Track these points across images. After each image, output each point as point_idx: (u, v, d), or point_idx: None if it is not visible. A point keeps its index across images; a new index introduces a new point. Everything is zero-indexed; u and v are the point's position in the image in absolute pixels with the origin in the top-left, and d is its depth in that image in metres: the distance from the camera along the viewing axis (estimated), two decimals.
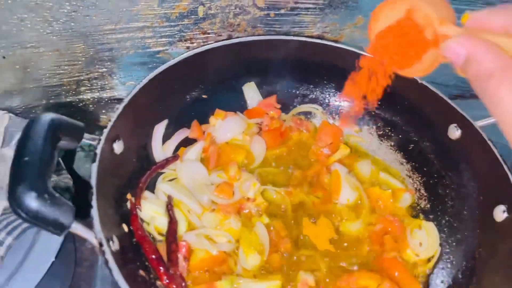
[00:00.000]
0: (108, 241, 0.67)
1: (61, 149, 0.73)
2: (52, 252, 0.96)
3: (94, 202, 0.69)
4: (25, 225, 0.95)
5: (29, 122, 0.69)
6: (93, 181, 0.71)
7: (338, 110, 1.12)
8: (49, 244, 0.97)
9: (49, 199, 0.62)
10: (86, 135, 0.78)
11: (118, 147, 0.82)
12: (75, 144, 0.75)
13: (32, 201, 0.60)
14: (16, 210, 0.60)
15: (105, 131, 0.79)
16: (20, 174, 0.62)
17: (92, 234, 0.67)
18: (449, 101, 0.95)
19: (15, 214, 0.61)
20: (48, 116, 0.70)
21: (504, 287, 0.73)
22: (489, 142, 0.89)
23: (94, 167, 0.73)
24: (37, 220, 0.61)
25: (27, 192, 0.60)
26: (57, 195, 0.63)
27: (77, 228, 0.66)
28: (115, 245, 0.70)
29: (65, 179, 1.04)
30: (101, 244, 0.65)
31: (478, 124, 0.92)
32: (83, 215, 0.69)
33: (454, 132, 0.95)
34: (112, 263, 0.64)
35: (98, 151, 0.75)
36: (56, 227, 0.63)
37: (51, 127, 0.69)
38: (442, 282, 0.87)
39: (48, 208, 0.61)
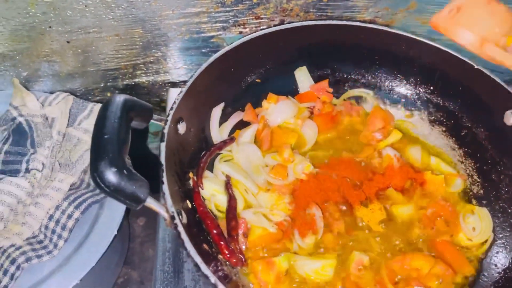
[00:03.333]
0: (178, 214, 0.71)
1: (134, 127, 0.77)
2: (114, 226, 1.02)
3: (164, 178, 0.73)
4: (91, 200, 1.02)
5: (105, 102, 0.73)
6: (163, 159, 0.76)
7: (389, 94, 1.12)
8: (111, 219, 1.03)
9: (127, 175, 0.66)
10: (154, 115, 0.82)
11: (181, 127, 0.87)
12: (145, 124, 0.79)
13: (112, 175, 0.65)
14: (98, 183, 0.65)
15: (171, 112, 0.83)
16: (102, 150, 0.66)
17: (163, 208, 0.71)
18: (506, 86, 0.94)
19: (97, 187, 0.65)
20: (122, 97, 0.75)
21: None
22: None
23: (163, 146, 0.77)
24: (116, 193, 0.66)
25: (108, 167, 0.65)
26: (133, 171, 0.68)
27: (151, 202, 0.70)
28: (184, 219, 0.74)
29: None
30: (173, 217, 0.70)
31: None
32: (152, 191, 0.73)
33: (510, 118, 0.94)
34: (184, 235, 0.68)
35: (166, 130, 0.79)
36: (133, 200, 0.67)
37: (124, 107, 0.73)
38: (495, 266, 0.87)
39: (126, 182, 0.66)
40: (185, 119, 0.88)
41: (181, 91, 0.86)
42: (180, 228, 0.68)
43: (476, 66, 0.98)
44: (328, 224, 0.90)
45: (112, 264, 1.20)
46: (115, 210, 1.04)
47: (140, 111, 0.78)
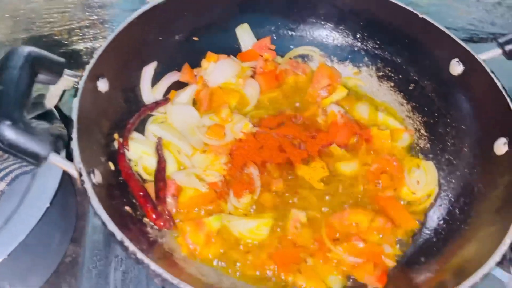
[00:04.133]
0: (89, 173, 0.66)
1: (41, 83, 0.71)
2: (46, 198, 0.96)
3: (74, 135, 0.68)
4: (18, 171, 0.95)
5: (7, 54, 0.67)
6: (74, 115, 0.70)
7: (336, 51, 1.07)
8: (43, 190, 0.97)
9: (24, 128, 0.60)
10: (67, 71, 0.77)
11: (102, 85, 0.81)
12: (55, 79, 0.73)
13: (6, 129, 0.59)
14: None
15: (88, 67, 0.77)
16: None
17: (72, 166, 0.65)
18: (450, 34, 0.91)
19: None
20: (26, 49, 0.69)
21: (502, 220, 0.70)
22: (492, 74, 0.84)
23: (76, 101, 0.72)
24: (12, 148, 0.60)
25: (2, 120, 0.59)
26: (33, 125, 0.62)
27: (56, 160, 0.65)
28: (97, 178, 0.69)
29: (59, 128, 1.03)
30: (80, 174, 0.64)
31: (481, 57, 0.87)
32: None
33: (456, 68, 0.91)
34: (91, 193, 0.63)
35: (80, 85, 0.74)
36: (33, 157, 0.62)
37: (28, 59, 0.68)
38: (438, 218, 0.84)
39: (24, 137, 0.60)
40: (108, 76, 0.82)
41: (101, 46, 0.80)
42: (87, 185, 0.63)
43: (420, 16, 0.94)
44: (267, 183, 0.86)
45: (53, 241, 1.15)
46: (48, 181, 0.98)
47: (47, 64, 0.72)
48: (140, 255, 0.58)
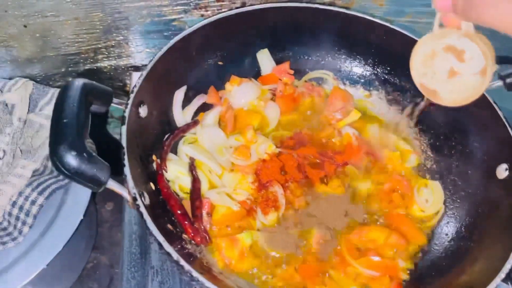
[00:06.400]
0: (140, 196, 0.73)
1: (92, 112, 0.77)
2: (80, 210, 1.03)
3: (126, 161, 0.74)
4: (55, 185, 1.02)
5: (64, 86, 0.73)
6: (124, 142, 0.76)
7: (348, 75, 1.15)
8: (76, 204, 1.03)
9: (87, 158, 0.67)
10: (114, 99, 0.82)
11: (143, 111, 0.87)
12: (105, 108, 0.80)
13: (72, 159, 0.66)
14: (58, 167, 0.65)
15: (131, 96, 0.83)
16: (61, 134, 0.67)
17: (126, 190, 0.72)
18: None
19: (57, 171, 0.66)
20: (81, 81, 0.75)
21: (507, 239, 0.79)
22: (494, 104, 0.93)
23: (124, 128, 0.78)
24: (77, 176, 0.66)
25: (68, 151, 0.66)
26: (94, 154, 0.69)
27: (113, 185, 0.71)
28: (147, 200, 0.76)
29: (88, 143, 1.09)
30: (135, 199, 0.71)
31: None
32: (115, 174, 0.74)
33: None
34: (146, 216, 0.70)
35: (126, 114, 0.80)
36: (94, 182, 0.68)
37: (83, 91, 0.73)
38: (446, 235, 0.93)
39: (87, 165, 0.67)
40: (147, 102, 0.88)
41: (141, 74, 0.87)
42: (142, 209, 0.70)
43: None
44: (290, 201, 0.93)
45: (80, 249, 1.21)
46: (80, 195, 1.04)
47: (99, 95, 0.78)
48: (195, 274, 0.65)
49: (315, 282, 0.83)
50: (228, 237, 0.85)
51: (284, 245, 0.87)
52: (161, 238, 0.67)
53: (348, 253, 0.87)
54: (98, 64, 1.23)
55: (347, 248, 0.88)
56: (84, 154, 0.67)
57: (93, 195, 1.08)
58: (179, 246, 0.79)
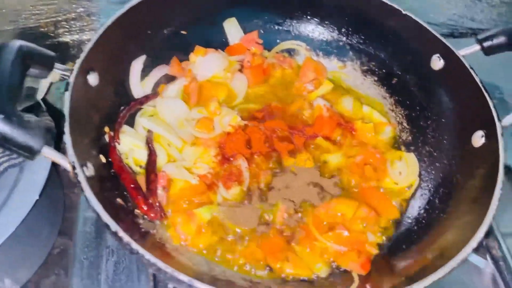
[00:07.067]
0: (81, 166, 0.67)
1: (32, 77, 0.72)
2: (35, 190, 0.97)
3: (66, 129, 0.68)
4: (7, 164, 0.96)
5: None
6: (66, 109, 0.71)
7: (322, 46, 1.10)
8: (32, 183, 0.98)
9: (18, 122, 0.61)
10: (58, 65, 0.77)
11: (92, 79, 0.81)
12: (46, 73, 0.74)
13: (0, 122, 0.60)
14: None
15: (78, 61, 0.77)
16: None
17: (65, 159, 0.66)
18: (432, 30, 0.94)
19: None
20: (17, 43, 0.69)
21: (479, 209, 0.74)
22: (471, 70, 0.88)
23: (67, 95, 0.72)
24: (6, 142, 0.61)
25: None
26: (26, 118, 0.63)
27: (50, 153, 0.65)
28: (90, 171, 0.70)
29: (46, 120, 1.03)
30: (74, 167, 0.65)
31: (461, 53, 0.91)
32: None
33: (437, 63, 0.94)
34: (85, 186, 0.64)
35: (71, 80, 0.74)
36: (26, 150, 0.63)
37: (19, 53, 0.68)
38: (419, 207, 0.88)
39: (17, 130, 0.61)
40: (98, 70, 0.82)
41: (91, 40, 0.81)
42: (81, 178, 0.64)
43: (403, 12, 0.96)
44: (255, 175, 0.88)
45: (42, 234, 1.15)
46: (37, 174, 0.98)
47: (39, 58, 0.72)
48: (134, 245, 0.60)
49: (277, 258, 0.78)
50: (184, 211, 0.79)
51: (247, 220, 0.82)
52: (99, 208, 0.62)
53: (314, 227, 0.81)
54: (60, 39, 1.17)
55: (314, 222, 0.82)
56: (14, 117, 0.61)
57: (61, 180, 1.02)
58: (130, 221, 0.74)
